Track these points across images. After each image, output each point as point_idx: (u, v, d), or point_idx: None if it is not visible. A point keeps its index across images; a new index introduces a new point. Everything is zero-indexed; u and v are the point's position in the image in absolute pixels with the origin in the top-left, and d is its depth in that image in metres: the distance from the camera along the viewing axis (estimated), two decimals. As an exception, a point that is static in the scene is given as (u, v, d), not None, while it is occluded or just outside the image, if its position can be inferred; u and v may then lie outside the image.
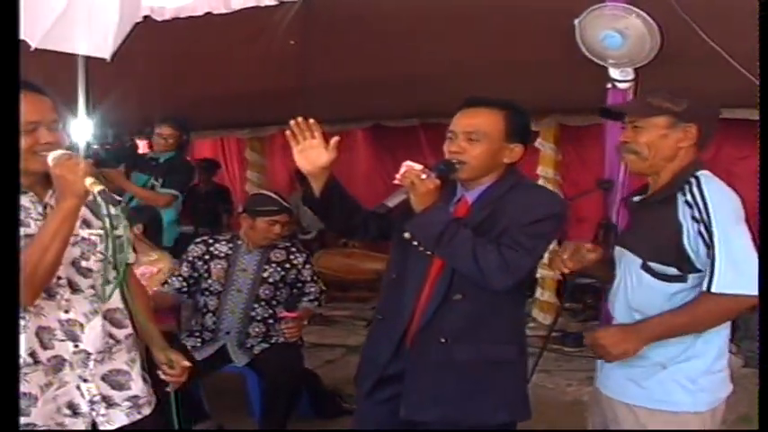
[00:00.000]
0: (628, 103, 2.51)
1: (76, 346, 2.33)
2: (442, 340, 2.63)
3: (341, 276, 8.50)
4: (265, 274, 4.55)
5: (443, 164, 2.61)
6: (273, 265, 4.59)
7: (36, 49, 3.70)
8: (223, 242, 4.67)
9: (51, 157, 2.20)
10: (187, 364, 2.60)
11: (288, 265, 4.63)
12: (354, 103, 7.82)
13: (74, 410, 2.33)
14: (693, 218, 2.30)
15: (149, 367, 2.62)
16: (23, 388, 2.24)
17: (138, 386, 2.48)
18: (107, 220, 2.26)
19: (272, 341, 4.53)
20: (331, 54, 6.61)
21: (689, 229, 2.31)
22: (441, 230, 2.52)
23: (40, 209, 2.30)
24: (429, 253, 2.66)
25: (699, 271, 2.34)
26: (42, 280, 2.17)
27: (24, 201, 2.27)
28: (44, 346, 2.28)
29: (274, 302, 4.59)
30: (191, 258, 4.61)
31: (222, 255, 4.60)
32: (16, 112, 2.17)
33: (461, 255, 2.53)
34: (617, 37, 4.73)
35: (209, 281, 4.54)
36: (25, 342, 2.24)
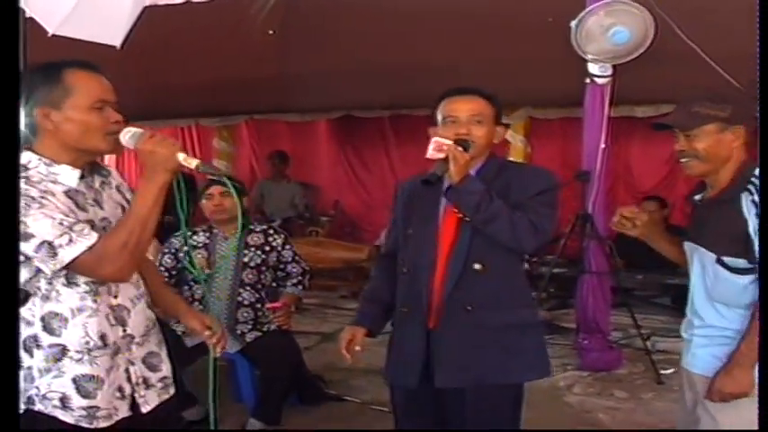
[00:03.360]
0: (675, 115, 2.65)
1: (124, 330, 2.36)
2: (468, 308, 2.80)
3: (309, 265, 8.52)
4: (246, 259, 4.59)
5: (462, 141, 2.79)
6: (252, 248, 4.63)
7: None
8: (200, 233, 4.70)
9: (128, 135, 2.23)
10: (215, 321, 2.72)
11: (267, 248, 4.67)
12: (326, 93, 7.88)
13: (122, 393, 2.37)
14: (757, 215, 2.47)
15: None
16: (92, 371, 2.27)
17: (166, 366, 2.53)
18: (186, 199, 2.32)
19: (264, 329, 4.57)
20: (307, 45, 6.64)
21: (754, 224, 2.48)
22: (479, 198, 2.72)
23: (92, 195, 2.31)
24: (433, 238, 2.88)
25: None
26: (140, 256, 2.22)
27: (81, 186, 2.27)
28: (113, 328, 2.33)
29: (259, 286, 4.63)
30: (173, 250, 4.65)
31: (201, 244, 4.64)
32: (16, 113, 2.18)
33: (498, 219, 2.73)
34: (625, 32, 4.87)
35: (195, 270, 4.57)
36: (96, 325, 2.27)
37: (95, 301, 2.27)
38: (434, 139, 2.76)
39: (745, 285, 2.54)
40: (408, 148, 9.87)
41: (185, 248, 4.59)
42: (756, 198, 2.48)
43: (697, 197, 2.76)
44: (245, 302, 4.57)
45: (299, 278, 4.75)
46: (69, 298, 2.24)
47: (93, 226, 2.20)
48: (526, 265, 7.28)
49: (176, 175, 2.24)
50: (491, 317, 2.82)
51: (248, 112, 9.90)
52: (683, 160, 2.65)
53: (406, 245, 2.99)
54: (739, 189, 2.54)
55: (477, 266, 2.81)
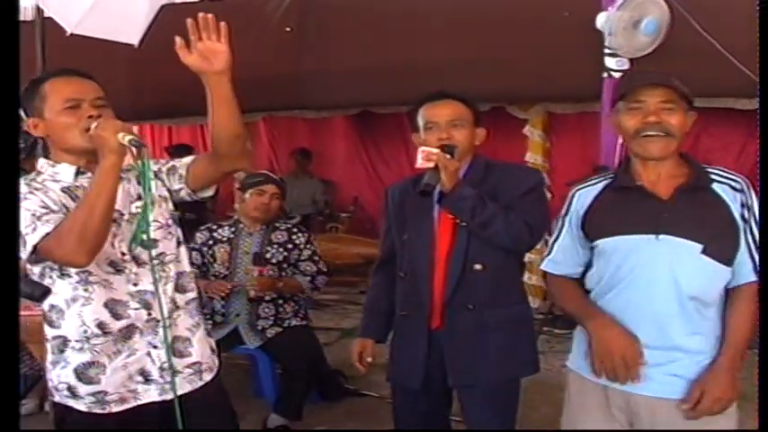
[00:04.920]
0: (663, 78, 2.41)
1: (149, 314, 2.38)
2: (470, 306, 2.86)
3: (328, 261, 8.46)
4: (268, 255, 4.62)
5: (448, 148, 2.82)
6: (275, 246, 4.65)
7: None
8: (225, 227, 4.74)
9: (93, 125, 2.25)
10: None
11: (290, 246, 4.69)
12: (344, 89, 7.88)
13: (146, 377, 2.39)
14: (742, 203, 2.33)
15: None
16: (92, 358, 2.32)
17: (198, 352, 2.51)
18: (145, 176, 2.26)
19: (285, 324, 4.61)
20: (324, 41, 6.66)
21: (737, 212, 2.34)
22: (473, 203, 2.77)
23: None
24: (430, 242, 2.93)
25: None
26: (94, 239, 2.17)
27: (83, 180, 2.34)
28: (117, 317, 2.35)
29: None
30: (197, 246, 4.68)
31: (225, 239, 4.67)
32: (16, 113, 2.24)
33: (494, 222, 2.78)
34: (655, 22, 4.91)
35: (216, 265, 4.61)
36: (92, 313, 2.31)
37: (87, 290, 2.31)
38: (422, 149, 2.80)
39: (728, 277, 2.37)
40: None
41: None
42: (737, 186, 2.34)
43: (627, 184, 2.46)
44: (267, 298, 4.59)
45: (312, 276, 4.73)
46: (63, 289, 2.32)
47: None
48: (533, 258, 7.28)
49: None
50: (492, 314, 2.88)
51: (266, 110, 9.89)
52: (649, 134, 2.34)
53: (402, 250, 3.03)
54: (707, 179, 2.37)
55: (477, 267, 2.87)
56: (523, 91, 6.77)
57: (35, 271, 2.34)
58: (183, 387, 2.45)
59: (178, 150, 9.52)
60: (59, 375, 2.34)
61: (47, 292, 2.28)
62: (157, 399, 2.40)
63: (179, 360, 2.46)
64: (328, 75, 7.12)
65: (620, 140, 5.56)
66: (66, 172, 2.35)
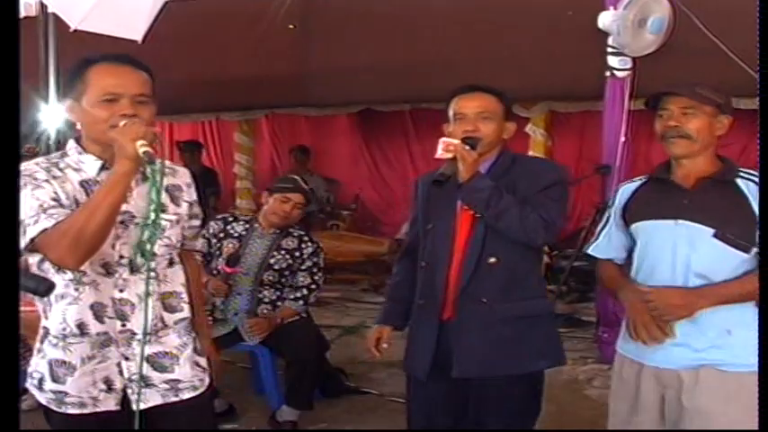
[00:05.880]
0: (679, 89, 2.69)
1: (123, 325, 2.34)
2: (484, 300, 2.88)
3: (330, 258, 8.48)
4: (272, 261, 4.60)
5: (470, 140, 2.86)
6: (283, 252, 4.64)
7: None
8: (241, 222, 4.74)
9: (120, 124, 2.18)
10: (220, 361, 2.68)
11: (297, 254, 4.68)
12: (347, 87, 7.89)
13: (108, 386, 2.35)
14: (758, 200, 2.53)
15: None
16: (64, 356, 2.31)
17: (182, 371, 2.46)
18: (153, 190, 2.21)
19: (286, 321, 4.60)
20: (328, 39, 6.67)
21: (756, 204, 2.54)
22: (488, 194, 2.81)
23: None
24: (451, 233, 2.96)
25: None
26: (89, 244, 2.13)
27: (104, 177, 2.27)
28: (99, 320, 2.32)
29: (279, 285, 4.66)
30: (207, 235, 4.66)
31: (236, 234, 4.66)
32: (16, 110, 2.19)
33: (508, 215, 2.82)
34: (661, 20, 4.92)
35: (220, 260, 4.60)
36: (75, 313, 2.29)
37: (77, 290, 2.29)
38: (442, 140, 2.85)
39: (742, 262, 2.58)
40: (429, 141, 9.65)
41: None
42: (753, 185, 2.57)
43: (661, 176, 2.78)
44: (266, 300, 4.61)
45: (305, 292, 4.69)
46: (57, 284, 2.28)
47: None
48: (546, 259, 7.31)
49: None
50: (504, 308, 2.89)
51: (269, 107, 9.92)
52: (670, 139, 2.67)
53: (425, 240, 3.06)
54: (732, 174, 2.64)
55: (491, 260, 2.89)
56: (526, 89, 6.78)
57: (34, 260, 2.32)
58: (154, 399, 2.42)
59: (189, 146, 9.55)
60: (37, 364, 2.36)
61: (51, 287, 2.26)
62: (113, 408, 2.37)
63: (158, 374, 2.42)
64: (331, 73, 7.13)
65: (623, 139, 5.58)
66: (90, 165, 2.31)
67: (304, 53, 6.96)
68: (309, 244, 4.73)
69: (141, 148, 2.10)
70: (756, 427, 2.22)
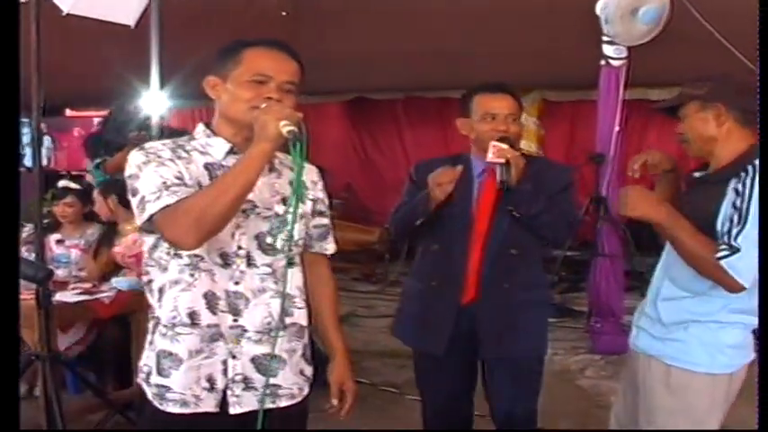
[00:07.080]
0: (664, 101, 2.71)
1: (235, 320, 2.22)
2: (506, 286, 3.04)
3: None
4: None
5: (507, 141, 2.95)
6: None
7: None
8: None
9: (262, 106, 2.13)
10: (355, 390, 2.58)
11: None
12: (339, 75, 7.86)
13: (211, 384, 2.23)
14: (734, 205, 2.39)
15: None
16: (172, 347, 2.21)
17: (286, 377, 2.34)
18: (296, 173, 2.08)
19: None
20: (320, 26, 6.63)
21: (726, 212, 2.41)
22: (529, 197, 2.96)
23: None
24: (468, 221, 3.07)
25: None
26: (212, 224, 2.05)
27: (230, 161, 2.21)
28: (211, 311, 2.20)
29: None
30: None
31: None
32: (16, 107, 2.16)
33: (542, 216, 2.97)
34: (654, 11, 4.89)
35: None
36: (188, 301, 2.19)
37: (192, 275, 2.18)
38: (493, 144, 2.91)
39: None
40: (421, 130, 9.86)
41: None
42: (740, 188, 2.40)
43: (696, 174, 2.73)
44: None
45: None
46: (172, 270, 2.20)
47: None
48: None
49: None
50: (525, 295, 3.06)
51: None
52: (683, 144, 2.68)
53: (440, 223, 3.08)
54: (731, 174, 2.46)
55: (513, 251, 3.04)
56: (519, 78, 6.75)
57: (148, 241, 2.23)
58: (251, 404, 2.27)
59: (177, 134, 9.46)
60: (147, 356, 2.26)
61: (50, 274, 2.21)
62: (212, 410, 2.24)
63: (260, 377, 2.26)
64: (323, 60, 7.06)
65: (617, 129, 5.57)
66: (219, 147, 2.24)
67: (296, 40, 6.89)
68: None
69: (285, 127, 2.02)
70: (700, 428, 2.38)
